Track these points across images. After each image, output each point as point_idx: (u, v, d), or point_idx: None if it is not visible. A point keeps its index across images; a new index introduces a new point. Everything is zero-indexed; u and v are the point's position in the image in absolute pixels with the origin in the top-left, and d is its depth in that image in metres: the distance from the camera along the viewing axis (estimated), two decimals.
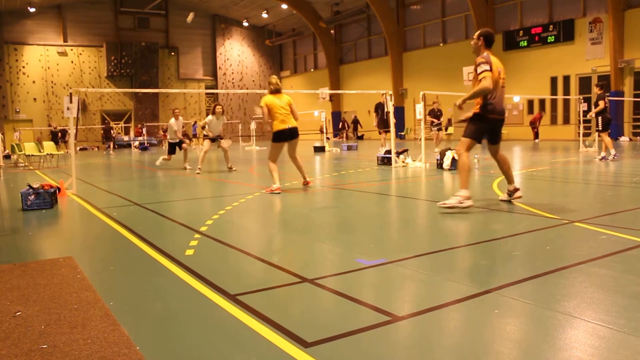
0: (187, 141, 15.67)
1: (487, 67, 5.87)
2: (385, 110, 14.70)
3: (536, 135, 25.97)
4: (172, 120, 14.59)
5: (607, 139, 12.70)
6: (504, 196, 6.63)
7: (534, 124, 26.00)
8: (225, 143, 13.40)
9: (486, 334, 2.60)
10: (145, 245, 4.72)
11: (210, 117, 13.13)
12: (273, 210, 6.95)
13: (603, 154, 12.67)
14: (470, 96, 6.08)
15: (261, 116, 8.78)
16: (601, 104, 12.67)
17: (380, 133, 17.29)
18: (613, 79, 23.70)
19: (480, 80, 5.91)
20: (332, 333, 2.60)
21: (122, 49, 39.63)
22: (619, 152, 15.84)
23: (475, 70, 6.00)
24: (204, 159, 13.08)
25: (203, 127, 13.39)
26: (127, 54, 39.74)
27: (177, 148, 14.62)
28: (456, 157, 11.01)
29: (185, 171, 13.24)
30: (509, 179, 6.50)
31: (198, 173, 12.39)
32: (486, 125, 6.13)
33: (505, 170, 6.50)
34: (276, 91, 8.49)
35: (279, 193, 8.12)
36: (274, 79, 8.66)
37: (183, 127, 15.26)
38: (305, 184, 8.91)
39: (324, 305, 3.14)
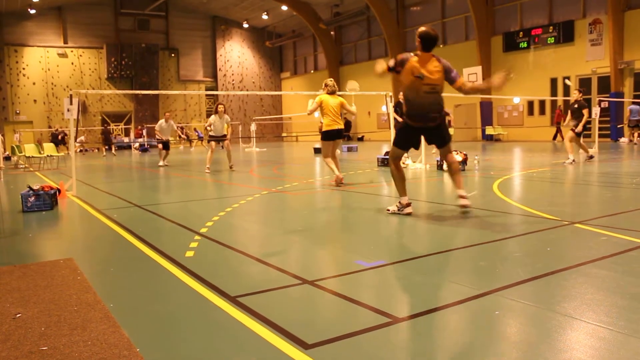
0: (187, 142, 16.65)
1: (392, 64, 5.66)
2: (386, 111, 14.72)
3: (556, 134, 25.16)
4: (162, 121, 15.85)
5: (569, 144, 12.21)
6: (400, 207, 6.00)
7: (559, 123, 24.45)
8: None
9: (486, 336, 2.59)
10: (145, 247, 4.72)
11: (213, 117, 13.32)
12: (273, 212, 6.96)
13: (571, 157, 12.05)
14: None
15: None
16: (586, 113, 12.07)
17: None
18: (613, 80, 23.70)
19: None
20: (332, 335, 2.60)
21: (122, 50, 39.65)
22: (618, 154, 15.84)
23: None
24: (211, 158, 13.31)
25: (207, 128, 13.54)
26: (127, 56, 39.75)
27: (163, 145, 15.75)
28: (457, 159, 11.06)
29: (159, 168, 14.13)
30: (455, 183, 5.91)
31: (207, 172, 12.67)
32: (409, 134, 5.86)
33: (450, 174, 5.97)
34: (332, 93, 9.13)
35: (342, 182, 8.92)
36: (331, 81, 9.31)
37: (182, 128, 15.82)
38: (338, 181, 9.02)
39: (324, 307, 3.14)
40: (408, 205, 5.87)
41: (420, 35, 5.65)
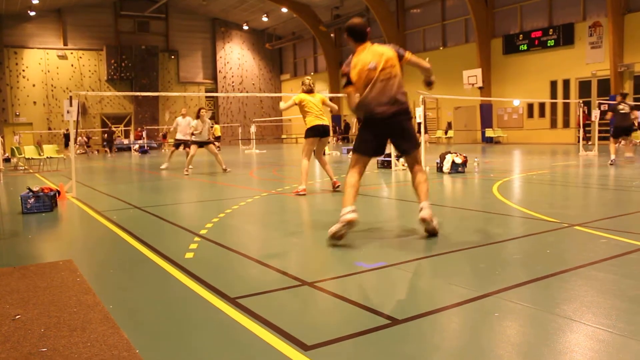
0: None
1: (344, 81, 4.89)
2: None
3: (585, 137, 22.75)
4: (180, 118, 14.90)
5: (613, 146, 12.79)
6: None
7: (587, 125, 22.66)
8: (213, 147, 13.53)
9: (486, 338, 2.60)
10: (145, 249, 4.71)
11: (195, 121, 13.19)
12: (273, 214, 6.96)
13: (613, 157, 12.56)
14: (357, 118, 5.11)
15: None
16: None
17: None
18: (613, 83, 23.72)
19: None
20: (332, 336, 2.60)
21: (122, 52, 39.66)
22: (618, 156, 15.86)
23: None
24: (190, 162, 13.23)
25: (193, 134, 13.41)
26: (127, 58, 39.76)
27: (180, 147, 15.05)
28: (457, 161, 11.08)
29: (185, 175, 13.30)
30: (418, 196, 5.04)
31: (186, 174, 12.65)
32: (370, 129, 4.89)
33: (414, 186, 5.10)
34: (309, 91, 8.66)
35: (304, 194, 8.13)
36: (307, 79, 8.84)
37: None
38: (334, 185, 8.66)
39: (323, 308, 3.14)
40: (353, 211, 4.65)
41: (347, 27, 4.95)
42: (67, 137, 31.48)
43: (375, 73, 4.76)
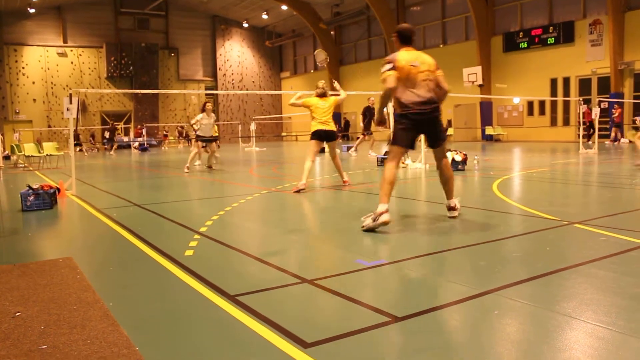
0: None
1: (388, 67, 5.33)
2: (386, 111, 14.77)
3: (616, 136, 22.17)
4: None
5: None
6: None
7: (618, 124, 22.24)
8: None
9: (486, 335, 2.60)
10: (144, 246, 4.72)
11: (200, 115, 12.98)
12: (272, 211, 6.96)
13: None
14: (380, 106, 5.67)
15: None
16: None
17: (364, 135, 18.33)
18: (613, 80, 23.71)
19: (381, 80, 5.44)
20: (331, 334, 2.60)
21: (122, 49, 39.63)
22: (619, 154, 15.85)
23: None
24: (194, 159, 13.09)
25: (192, 125, 13.13)
26: (127, 55, 39.74)
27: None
28: (456, 159, 11.08)
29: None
30: (446, 192, 5.75)
31: (186, 172, 12.49)
32: (409, 123, 5.35)
33: (442, 183, 5.75)
34: (322, 95, 8.88)
35: (304, 190, 8.32)
36: (321, 83, 9.05)
37: (182, 127, 14.95)
38: (344, 182, 9.10)
39: (323, 305, 3.14)
40: (385, 212, 5.04)
41: (398, 30, 5.63)
42: (76, 136, 31.71)
43: (416, 70, 5.36)
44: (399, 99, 5.39)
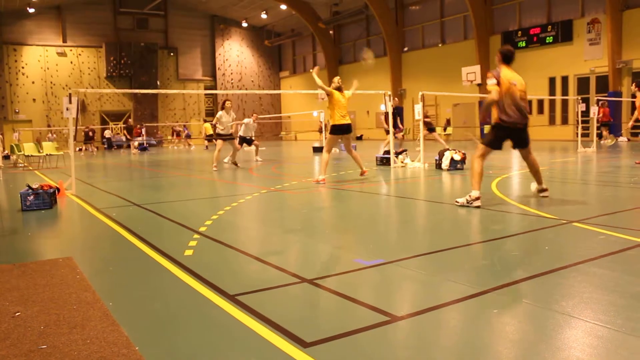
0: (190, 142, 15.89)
1: (494, 82, 6.31)
2: (385, 110, 14.79)
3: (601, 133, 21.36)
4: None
5: None
6: (533, 189, 7.05)
7: (606, 124, 21.76)
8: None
9: (485, 334, 2.60)
10: (144, 246, 4.72)
11: (220, 112, 13.31)
12: (272, 211, 6.96)
13: None
14: (483, 110, 6.62)
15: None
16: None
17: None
18: (611, 79, 23.71)
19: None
20: (331, 333, 2.60)
21: (121, 49, 39.61)
22: (617, 153, 15.86)
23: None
24: (218, 157, 13.39)
25: (214, 125, 13.48)
26: (126, 55, 39.72)
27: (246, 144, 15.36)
28: (455, 158, 11.10)
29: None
30: (537, 180, 6.94)
31: (215, 170, 12.82)
32: (504, 131, 6.43)
33: (533, 173, 6.93)
34: (339, 89, 9.41)
35: (324, 183, 9.04)
36: (337, 79, 9.64)
37: (184, 126, 15.30)
38: (362, 174, 9.80)
39: (322, 305, 3.14)
40: (478, 198, 6.24)
41: (502, 51, 6.59)
42: (86, 134, 31.79)
43: (515, 89, 6.35)
44: (501, 110, 6.31)
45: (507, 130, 6.44)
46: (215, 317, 2.93)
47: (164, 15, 42.13)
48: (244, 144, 16.30)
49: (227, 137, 13.44)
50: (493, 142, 6.56)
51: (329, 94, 9.35)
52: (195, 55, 43.87)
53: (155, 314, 3.02)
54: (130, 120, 38.68)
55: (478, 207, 6.15)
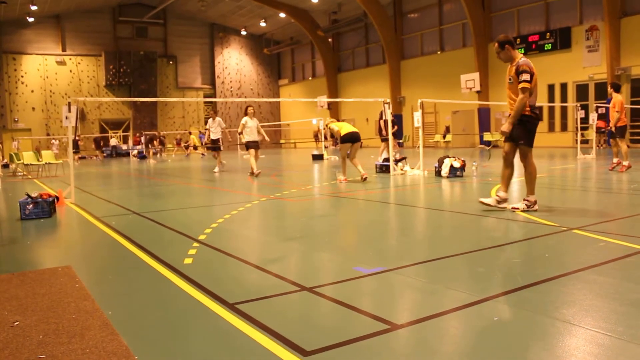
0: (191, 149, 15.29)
1: (529, 77, 5.90)
2: (384, 118, 14.83)
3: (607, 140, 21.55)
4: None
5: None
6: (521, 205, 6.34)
7: (602, 131, 22.04)
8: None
9: (485, 342, 2.59)
10: (144, 254, 4.71)
11: (245, 118, 13.22)
12: (271, 219, 6.95)
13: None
14: (515, 115, 6.01)
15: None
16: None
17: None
18: (610, 86, 23.74)
19: (520, 88, 5.93)
20: (331, 341, 2.59)
21: (120, 58, 39.74)
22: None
23: (516, 75, 6.01)
24: (255, 163, 13.19)
25: (240, 133, 13.31)
26: (125, 63, 39.84)
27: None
28: (455, 165, 11.09)
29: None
30: (505, 184, 6.50)
31: (256, 176, 12.79)
32: (533, 125, 6.17)
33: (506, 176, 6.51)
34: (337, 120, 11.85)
35: (346, 182, 10.58)
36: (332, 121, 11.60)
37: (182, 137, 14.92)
38: (363, 178, 10.73)
39: (322, 313, 3.13)
40: (535, 202, 6.22)
41: (506, 40, 6.34)
42: (96, 140, 31.91)
43: (536, 77, 6.08)
44: (532, 102, 6.00)
45: (537, 122, 6.17)
46: (215, 325, 2.92)
47: (163, 24, 42.30)
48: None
49: (254, 144, 13.14)
50: (530, 140, 6.17)
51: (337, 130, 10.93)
52: (195, 64, 44.01)
53: (154, 323, 3.01)
54: (155, 131, 38.28)
55: (535, 210, 6.15)
